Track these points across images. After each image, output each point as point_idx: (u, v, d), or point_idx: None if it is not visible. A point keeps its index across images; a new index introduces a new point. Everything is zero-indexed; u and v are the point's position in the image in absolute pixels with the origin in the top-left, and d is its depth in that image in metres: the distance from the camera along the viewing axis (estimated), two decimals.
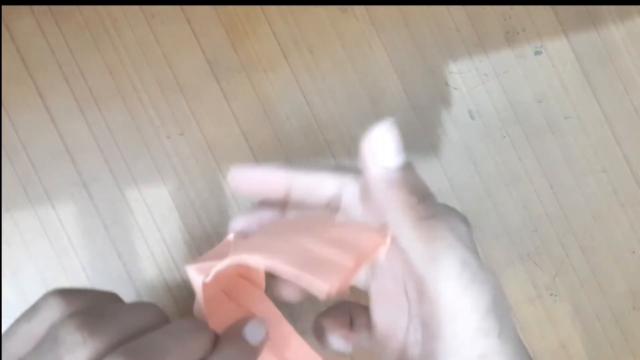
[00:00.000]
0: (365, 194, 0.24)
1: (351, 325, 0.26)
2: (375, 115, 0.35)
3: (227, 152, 0.35)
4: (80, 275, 0.35)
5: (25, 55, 0.35)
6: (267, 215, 0.26)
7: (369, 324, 0.25)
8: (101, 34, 0.35)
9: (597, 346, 0.35)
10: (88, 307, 0.20)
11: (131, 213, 0.35)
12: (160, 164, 0.35)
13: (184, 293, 0.35)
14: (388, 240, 0.23)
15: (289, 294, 0.26)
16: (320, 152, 0.35)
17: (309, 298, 0.25)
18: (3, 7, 0.34)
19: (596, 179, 0.35)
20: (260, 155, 0.35)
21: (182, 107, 0.35)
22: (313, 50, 0.35)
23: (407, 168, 0.22)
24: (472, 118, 0.35)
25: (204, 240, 0.35)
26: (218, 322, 0.23)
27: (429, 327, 0.22)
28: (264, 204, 0.27)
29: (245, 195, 0.26)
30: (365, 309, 0.26)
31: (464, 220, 0.23)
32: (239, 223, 0.26)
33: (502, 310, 0.21)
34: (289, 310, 0.33)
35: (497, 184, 0.35)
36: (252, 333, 0.23)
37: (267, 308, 0.25)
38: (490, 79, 0.35)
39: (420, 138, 0.35)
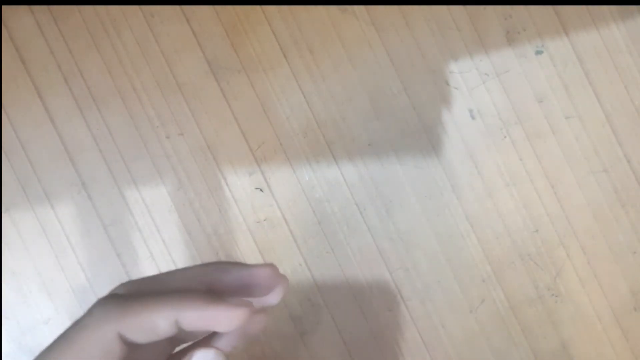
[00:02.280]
0: None
1: None
2: (375, 115, 0.35)
3: (226, 152, 0.35)
4: (79, 276, 0.34)
5: (24, 55, 0.35)
6: None
7: None
8: (100, 34, 0.35)
9: (598, 346, 0.35)
10: None
11: (130, 213, 0.35)
12: (160, 164, 0.35)
13: None
14: None
15: None
16: (320, 152, 0.35)
17: None
18: (2, 7, 0.34)
19: (597, 179, 0.35)
20: (260, 155, 0.35)
21: (182, 107, 0.35)
22: (313, 50, 0.35)
23: None
24: (473, 118, 0.35)
25: (203, 240, 0.35)
26: None
27: None
28: None
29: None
30: None
31: None
32: None
33: None
34: None
35: (497, 184, 0.35)
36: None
37: None
38: (491, 78, 0.35)
39: (420, 138, 0.35)
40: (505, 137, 0.35)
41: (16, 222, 0.35)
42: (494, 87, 0.35)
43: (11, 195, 0.35)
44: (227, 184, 0.35)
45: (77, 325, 0.20)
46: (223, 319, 0.21)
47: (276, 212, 0.35)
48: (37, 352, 0.35)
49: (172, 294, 0.21)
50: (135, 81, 0.35)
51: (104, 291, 0.35)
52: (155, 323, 0.20)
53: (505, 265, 0.35)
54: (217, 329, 0.21)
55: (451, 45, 0.35)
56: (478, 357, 0.35)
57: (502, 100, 0.35)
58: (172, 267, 0.35)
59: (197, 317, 0.21)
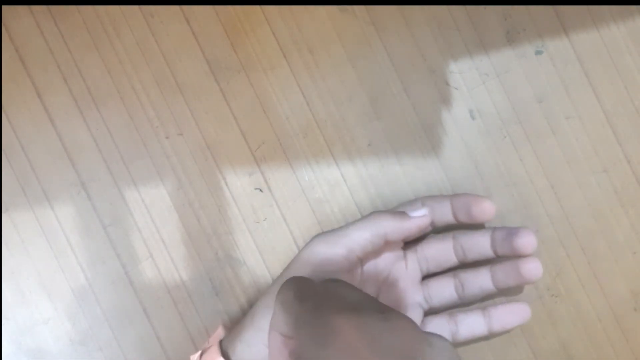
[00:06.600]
0: None
1: None
2: (375, 115, 0.35)
3: (226, 152, 0.35)
4: (79, 276, 0.34)
5: (24, 55, 0.35)
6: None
7: None
8: (100, 34, 0.35)
9: (598, 347, 0.35)
10: None
11: (130, 213, 0.35)
12: (159, 164, 0.35)
13: (183, 294, 0.35)
14: None
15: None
16: (320, 152, 0.35)
17: None
18: (2, 7, 0.34)
19: (597, 179, 0.35)
20: (260, 155, 0.35)
21: (181, 107, 0.35)
22: (313, 50, 0.35)
23: None
24: (473, 118, 0.35)
25: (203, 240, 0.35)
26: None
27: None
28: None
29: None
30: None
31: None
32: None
33: None
34: None
35: (497, 184, 0.35)
36: None
37: None
38: (491, 78, 0.35)
39: (420, 138, 0.35)
40: (505, 137, 0.35)
41: (15, 222, 0.35)
42: (494, 87, 0.35)
43: (11, 195, 0.35)
44: (226, 184, 0.35)
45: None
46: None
47: (276, 212, 0.35)
48: (37, 353, 0.35)
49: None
50: (134, 81, 0.35)
51: (104, 291, 0.35)
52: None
53: None
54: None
55: (451, 45, 0.35)
56: (478, 357, 0.35)
57: (502, 100, 0.35)
58: (172, 267, 0.35)
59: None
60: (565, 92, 0.35)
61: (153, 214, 0.35)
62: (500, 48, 0.35)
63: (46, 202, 0.34)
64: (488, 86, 0.35)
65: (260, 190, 0.35)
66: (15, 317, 0.34)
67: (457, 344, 0.33)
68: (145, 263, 0.35)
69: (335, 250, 0.29)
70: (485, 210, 0.30)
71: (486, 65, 0.35)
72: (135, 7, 0.35)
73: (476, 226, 0.33)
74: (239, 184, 0.35)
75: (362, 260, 0.30)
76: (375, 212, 0.30)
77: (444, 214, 0.31)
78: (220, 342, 0.29)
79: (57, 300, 0.34)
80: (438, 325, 0.31)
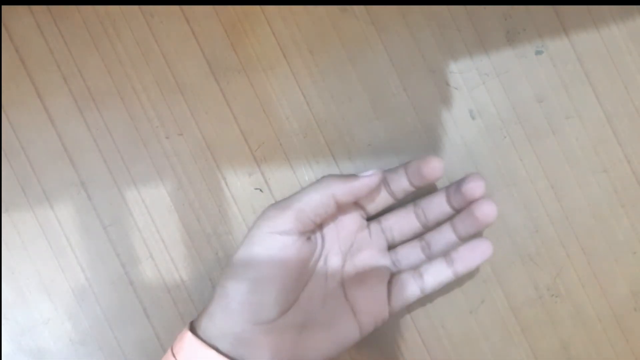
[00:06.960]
0: None
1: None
2: (375, 115, 0.35)
3: (226, 152, 0.35)
4: (79, 276, 0.34)
5: (24, 55, 0.35)
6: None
7: None
8: (100, 34, 0.35)
9: (598, 347, 0.35)
10: None
11: (130, 213, 0.35)
12: (159, 164, 0.35)
13: (183, 294, 0.35)
14: None
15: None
16: (320, 152, 0.35)
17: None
18: (2, 7, 0.34)
19: (597, 179, 0.35)
20: (260, 155, 0.35)
21: (181, 107, 0.35)
22: (313, 50, 0.35)
23: None
24: (473, 118, 0.35)
25: (203, 240, 0.35)
26: None
27: None
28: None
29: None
30: None
31: None
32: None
33: None
34: None
35: (497, 184, 0.35)
36: None
37: None
38: (491, 78, 0.35)
39: (420, 138, 0.35)
40: (505, 137, 0.35)
41: (15, 222, 0.35)
42: (494, 87, 0.35)
43: (11, 195, 0.35)
44: (226, 184, 0.35)
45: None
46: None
47: None
48: (37, 353, 0.35)
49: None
50: (134, 81, 0.35)
51: (104, 291, 0.35)
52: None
53: (505, 266, 0.35)
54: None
55: (451, 45, 0.35)
56: (478, 357, 0.35)
57: (502, 100, 0.35)
58: (172, 267, 0.35)
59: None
60: (565, 92, 0.35)
61: (153, 214, 0.35)
62: (500, 48, 0.35)
63: (46, 202, 0.34)
64: (488, 86, 0.35)
65: (260, 190, 0.35)
66: (15, 317, 0.34)
67: (427, 295, 0.33)
68: (145, 263, 0.35)
69: (286, 212, 0.29)
70: (434, 167, 0.31)
71: (486, 65, 0.35)
72: (135, 7, 0.35)
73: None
74: (239, 184, 0.35)
75: (318, 225, 0.31)
76: (325, 176, 0.31)
77: (401, 182, 0.32)
78: (192, 322, 0.30)
79: (57, 300, 0.34)
80: (405, 281, 0.32)
